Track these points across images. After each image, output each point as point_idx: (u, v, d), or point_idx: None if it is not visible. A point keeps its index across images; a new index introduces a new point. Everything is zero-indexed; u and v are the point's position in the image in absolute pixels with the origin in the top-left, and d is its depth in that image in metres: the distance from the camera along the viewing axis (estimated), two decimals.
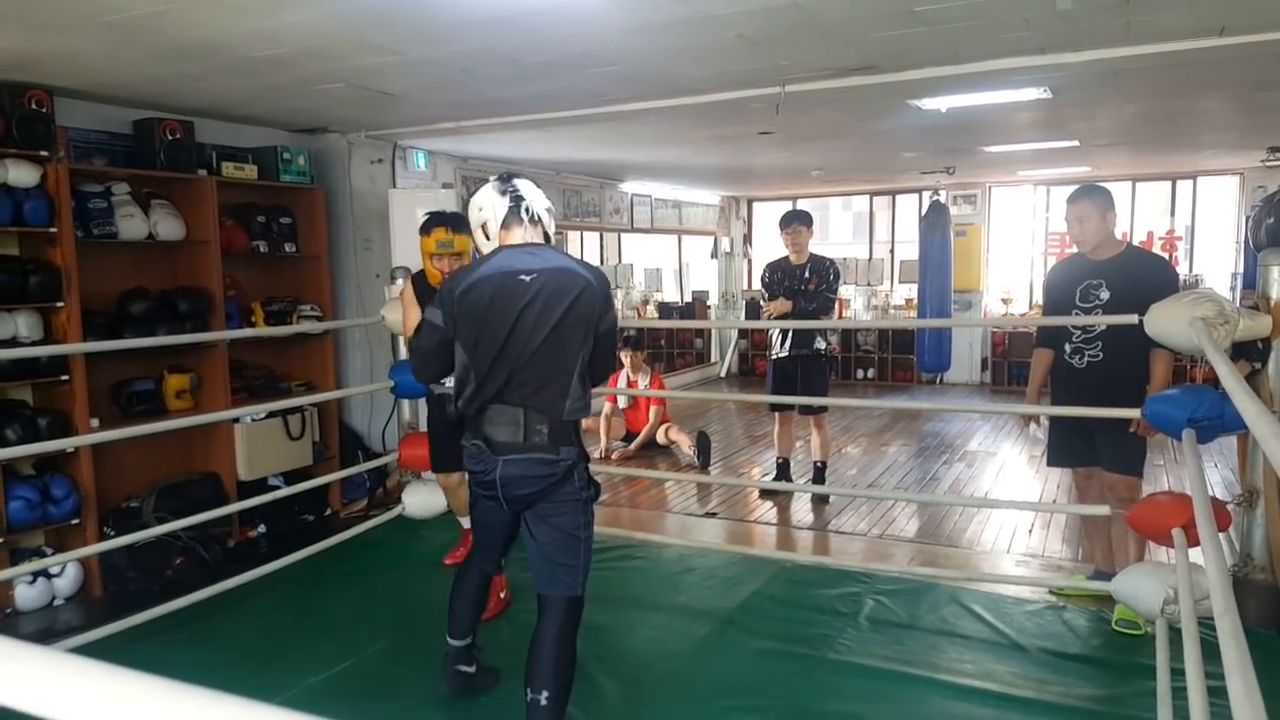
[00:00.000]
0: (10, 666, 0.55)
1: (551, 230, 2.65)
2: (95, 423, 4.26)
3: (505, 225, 2.58)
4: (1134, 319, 3.12)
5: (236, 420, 4.83)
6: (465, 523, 3.83)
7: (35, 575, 4.04)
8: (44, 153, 4.06)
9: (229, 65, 3.83)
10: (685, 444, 6.81)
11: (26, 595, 4.06)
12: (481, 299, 2.50)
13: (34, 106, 4.05)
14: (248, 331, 5.01)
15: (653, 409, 7.01)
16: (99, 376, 4.41)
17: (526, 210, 2.58)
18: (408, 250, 5.48)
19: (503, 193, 2.60)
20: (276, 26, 3.28)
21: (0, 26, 3.24)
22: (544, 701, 2.50)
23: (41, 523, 4.11)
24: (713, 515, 5.46)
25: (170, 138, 4.64)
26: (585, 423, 7.24)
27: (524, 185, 2.62)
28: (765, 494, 5.74)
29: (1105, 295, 3.52)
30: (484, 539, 2.88)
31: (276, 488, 4.75)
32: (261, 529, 4.97)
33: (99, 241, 4.38)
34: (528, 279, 2.47)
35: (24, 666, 0.55)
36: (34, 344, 4.05)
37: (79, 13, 3.07)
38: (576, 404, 2.53)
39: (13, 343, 4.00)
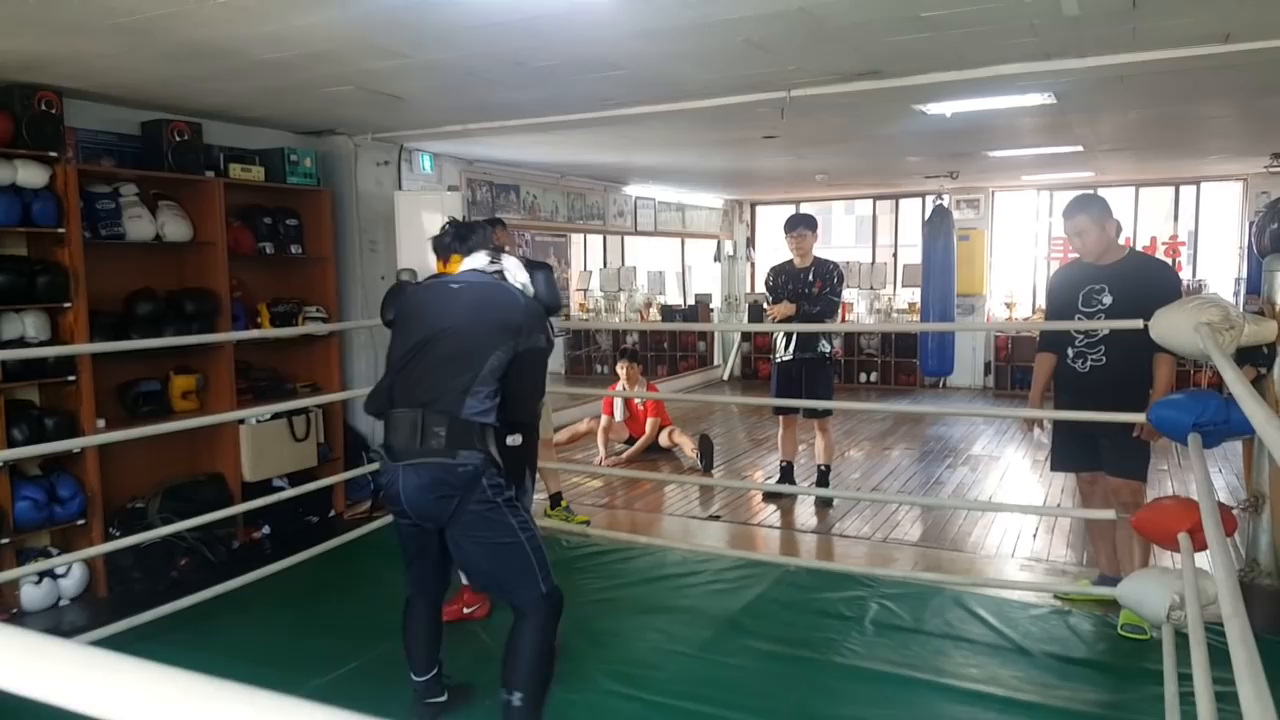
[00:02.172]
0: (39, 660, 0.56)
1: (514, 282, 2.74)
2: (101, 423, 4.27)
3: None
4: (1138, 324, 3.13)
5: (242, 421, 4.84)
6: (466, 579, 3.53)
7: (41, 575, 4.06)
8: (53, 153, 4.07)
9: (237, 68, 3.84)
10: (688, 447, 6.82)
11: (32, 595, 4.07)
12: (410, 303, 2.65)
13: (43, 107, 4.06)
14: (254, 333, 5.02)
15: (649, 420, 7.01)
16: (106, 377, 4.42)
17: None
18: (413, 252, 5.50)
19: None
20: (285, 30, 3.30)
21: (11, 28, 3.26)
22: (517, 702, 2.49)
23: (47, 523, 4.12)
24: (716, 518, 5.46)
25: (178, 139, 4.66)
26: (582, 426, 7.29)
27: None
28: (769, 497, 5.75)
29: (1108, 300, 3.52)
30: (413, 568, 2.78)
31: (281, 489, 4.76)
32: (266, 530, 4.98)
33: (107, 242, 4.39)
34: (456, 286, 2.60)
35: (52, 660, 0.56)
36: (41, 344, 4.06)
37: (89, 15, 3.08)
38: (481, 405, 2.45)
39: (20, 343, 4.01)
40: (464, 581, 3.54)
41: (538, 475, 5.41)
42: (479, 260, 2.73)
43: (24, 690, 0.55)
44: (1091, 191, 4.57)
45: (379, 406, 2.57)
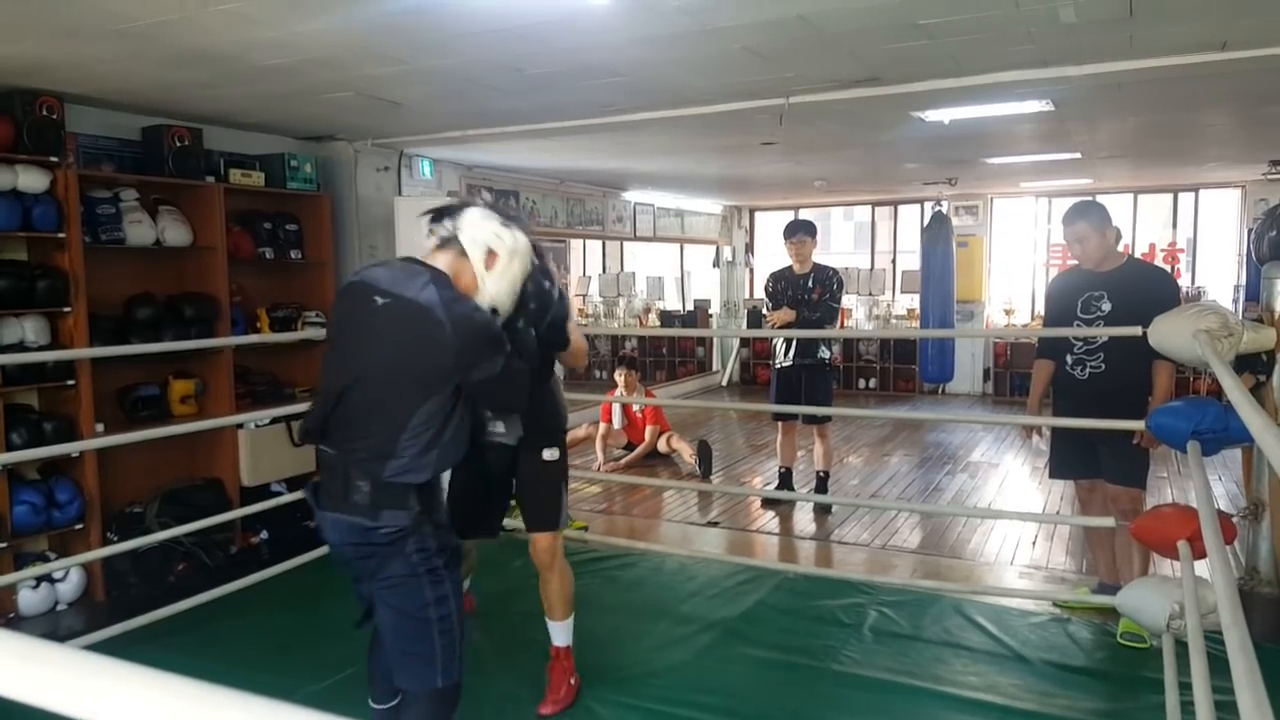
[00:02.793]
0: (36, 666, 0.56)
1: (474, 259, 2.17)
2: (100, 427, 4.27)
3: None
4: (1137, 331, 3.13)
5: (240, 426, 4.84)
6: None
7: (38, 580, 4.05)
8: (54, 158, 4.08)
9: (238, 74, 3.85)
10: (687, 453, 6.81)
11: (30, 600, 4.06)
12: (338, 309, 2.28)
13: (45, 113, 4.07)
14: (253, 338, 5.02)
15: (649, 428, 7.01)
16: (105, 381, 4.42)
17: (447, 231, 2.19)
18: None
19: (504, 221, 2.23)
20: (286, 36, 3.31)
21: (13, 34, 3.27)
22: None
23: (46, 527, 4.12)
24: (714, 524, 5.45)
25: (178, 144, 4.66)
26: (580, 431, 7.28)
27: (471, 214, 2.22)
28: (767, 504, 5.74)
29: (1107, 307, 3.52)
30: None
31: (279, 494, 4.76)
32: (264, 535, 4.97)
33: (107, 247, 4.40)
34: (379, 302, 2.08)
35: (48, 666, 0.56)
36: (41, 349, 4.06)
37: (90, 20, 3.09)
38: (411, 464, 2.07)
39: (20, 347, 4.01)
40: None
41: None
42: (424, 253, 2.21)
43: (21, 696, 0.55)
44: (1091, 198, 4.57)
45: (311, 438, 2.21)
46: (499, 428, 2.47)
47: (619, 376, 7.08)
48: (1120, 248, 3.70)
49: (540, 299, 2.30)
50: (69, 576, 4.17)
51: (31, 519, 4.04)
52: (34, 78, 3.91)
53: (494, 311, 2.17)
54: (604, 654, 3.47)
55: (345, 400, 2.11)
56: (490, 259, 2.14)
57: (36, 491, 4.08)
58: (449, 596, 2.17)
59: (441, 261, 2.15)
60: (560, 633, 3.11)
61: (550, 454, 3.01)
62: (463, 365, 2.07)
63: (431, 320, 2.03)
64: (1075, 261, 3.75)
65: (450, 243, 2.16)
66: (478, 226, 2.16)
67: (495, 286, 2.16)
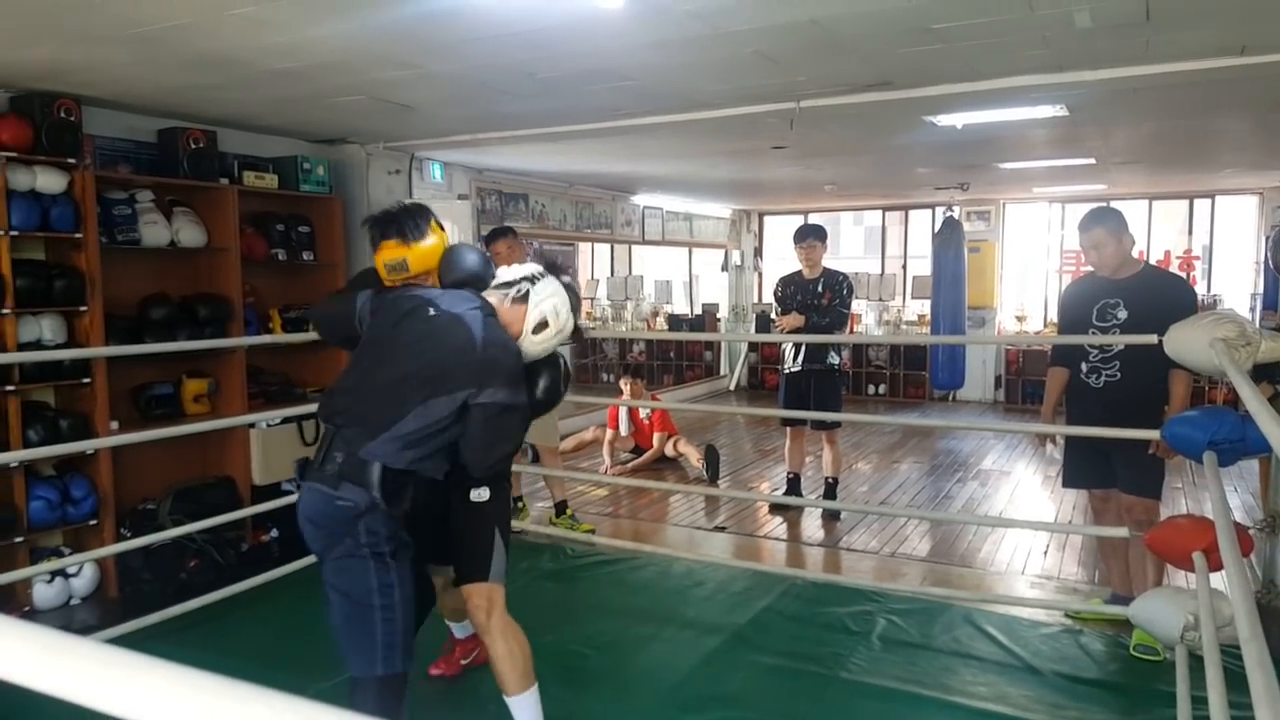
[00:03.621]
0: (58, 657, 0.56)
1: (530, 318, 2.38)
2: (115, 425, 4.30)
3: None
4: (1153, 339, 3.11)
5: (252, 425, 4.86)
6: (457, 630, 3.31)
7: (53, 575, 4.08)
8: (71, 160, 4.11)
9: (252, 77, 3.87)
10: (694, 457, 6.80)
11: (44, 594, 4.09)
12: (386, 310, 2.41)
13: (63, 115, 4.11)
14: (265, 338, 5.04)
15: (657, 435, 7.01)
16: (119, 380, 4.45)
17: (519, 292, 2.41)
18: None
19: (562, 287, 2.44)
20: (300, 40, 3.32)
21: (33, 37, 3.29)
22: None
23: (60, 523, 4.15)
24: (722, 529, 5.44)
25: (193, 147, 4.70)
26: (587, 435, 7.27)
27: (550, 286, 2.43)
28: (775, 509, 5.73)
29: (1123, 315, 3.50)
30: None
31: (290, 492, 4.77)
32: (274, 533, 4.99)
33: (122, 247, 4.43)
34: (432, 313, 2.32)
35: (70, 657, 0.56)
36: (58, 347, 4.10)
37: (109, 24, 3.11)
38: (388, 447, 2.19)
39: (37, 345, 4.04)
40: (454, 634, 3.33)
41: (548, 483, 5.46)
42: (495, 296, 2.43)
43: (42, 687, 0.55)
44: (1106, 204, 4.55)
45: (321, 413, 2.37)
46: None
47: (624, 386, 7.07)
48: (1134, 254, 3.68)
49: (551, 390, 2.47)
50: (83, 572, 4.20)
51: (47, 514, 4.07)
52: (52, 80, 3.94)
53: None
54: (609, 658, 3.46)
55: (367, 382, 2.29)
56: (541, 326, 2.38)
57: (52, 487, 4.12)
58: (394, 586, 2.22)
59: (494, 299, 2.40)
60: (521, 712, 2.56)
61: (478, 494, 2.64)
62: (477, 380, 2.20)
63: (468, 332, 2.27)
64: (1090, 269, 3.73)
65: (515, 293, 2.39)
66: (551, 295, 2.40)
67: (529, 348, 2.38)
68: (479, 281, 2.50)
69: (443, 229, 2.65)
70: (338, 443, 2.23)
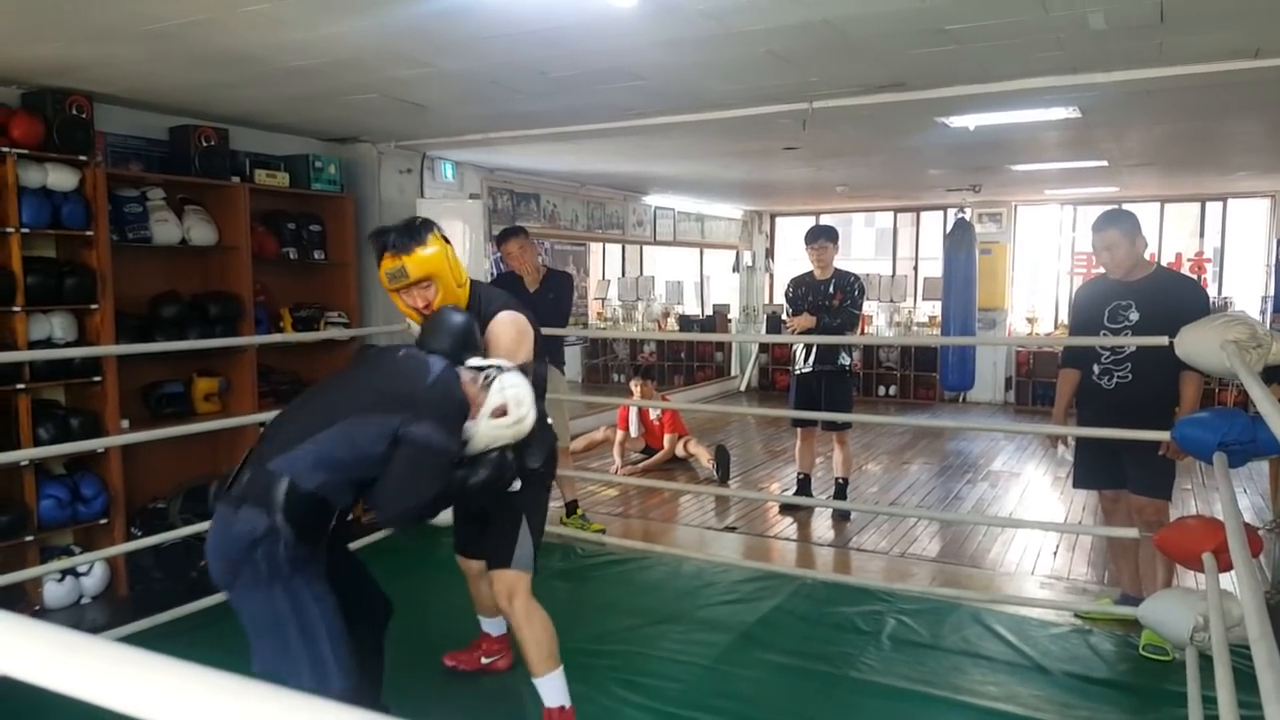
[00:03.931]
0: (70, 655, 0.57)
1: (490, 399, 2.26)
2: (125, 424, 4.32)
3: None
4: (1164, 341, 3.10)
5: (263, 424, 4.86)
6: (488, 625, 3.37)
7: (63, 573, 4.10)
8: (83, 157, 4.13)
9: (264, 75, 3.89)
10: (704, 458, 6.80)
11: (55, 593, 4.11)
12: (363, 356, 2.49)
13: (74, 112, 4.13)
14: (276, 337, 5.07)
15: (667, 436, 7.01)
16: (130, 378, 4.47)
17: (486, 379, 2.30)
18: None
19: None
20: (313, 38, 3.34)
21: (46, 34, 3.31)
22: None
23: (71, 521, 4.17)
24: (732, 530, 5.44)
25: (205, 144, 4.72)
26: (598, 435, 7.27)
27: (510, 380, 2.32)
28: (785, 509, 5.72)
29: (1135, 317, 3.48)
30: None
31: None
32: None
33: (133, 245, 4.45)
34: (401, 353, 2.35)
35: (82, 656, 0.57)
36: (68, 345, 4.12)
37: (122, 21, 3.13)
38: (300, 459, 2.04)
39: (48, 343, 4.06)
40: (484, 628, 3.38)
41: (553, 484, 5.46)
42: (464, 373, 2.31)
43: (54, 685, 0.55)
44: (1118, 206, 4.53)
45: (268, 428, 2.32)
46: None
47: (635, 387, 7.08)
48: (1146, 257, 3.66)
49: (487, 482, 2.26)
50: (93, 570, 4.22)
51: (57, 513, 4.09)
52: (64, 77, 3.96)
53: (464, 442, 2.23)
54: (619, 657, 3.47)
55: (304, 405, 2.23)
56: (500, 412, 2.25)
57: (62, 486, 4.13)
58: (309, 603, 2.06)
59: (464, 376, 2.30)
60: (547, 692, 2.70)
61: (513, 485, 2.64)
62: (414, 408, 2.09)
63: (425, 367, 2.21)
64: (1101, 270, 3.72)
65: (482, 378, 2.29)
66: (517, 386, 2.31)
67: (483, 430, 2.24)
68: (463, 343, 2.42)
69: (446, 241, 2.61)
70: (250, 460, 2.12)
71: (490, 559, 2.75)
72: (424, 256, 2.51)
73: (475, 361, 2.36)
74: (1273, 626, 1.46)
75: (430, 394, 2.15)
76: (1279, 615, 3.31)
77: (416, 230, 2.53)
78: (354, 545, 4.52)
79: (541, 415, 2.77)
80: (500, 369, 2.32)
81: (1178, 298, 3.40)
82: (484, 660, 3.36)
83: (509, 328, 2.65)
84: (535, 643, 2.66)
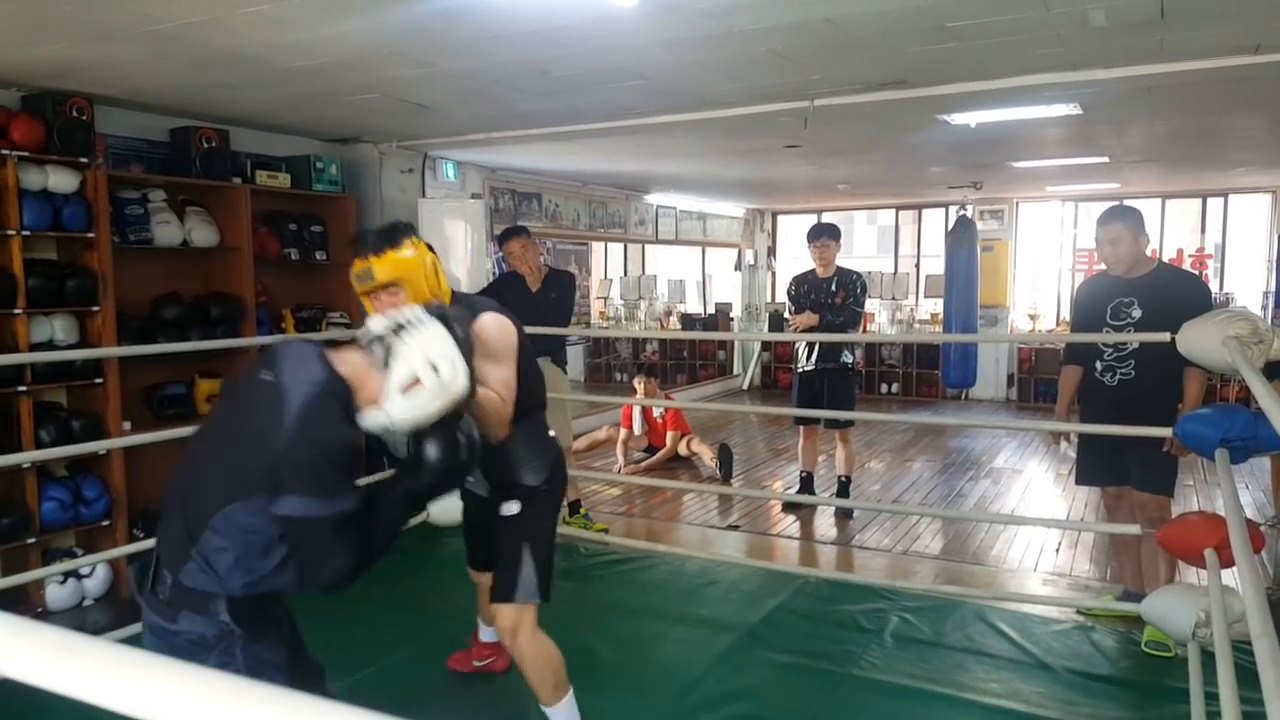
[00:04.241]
0: (73, 658, 0.57)
1: (395, 376, 1.79)
2: (127, 425, 4.32)
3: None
4: (1166, 337, 3.10)
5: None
6: (486, 633, 3.32)
7: (66, 575, 4.10)
8: (83, 159, 4.14)
9: (265, 75, 3.89)
10: (707, 456, 6.81)
11: (57, 595, 4.11)
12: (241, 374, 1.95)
13: (75, 114, 4.13)
14: (278, 338, 5.06)
15: (670, 435, 7.01)
16: (132, 380, 4.47)
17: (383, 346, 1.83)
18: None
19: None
20: (314, 38, 3.34)
21: (46, 35, 3.32)
22: None
23: (73, 523, 4.17)
24: (735, 528, 5.44)
25: (206, 146, 4.72)
26: (601, 434, 7.28)
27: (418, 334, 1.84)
28: (788, 508, 5.73)
29: (1137, 314, 3.48)
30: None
31: None
32: None
33: (135, 247, 4.46)
34: (262, 378, 1.79)
35: (85, 658, 0.57)
36: (70, 347, 4.12)
37: (122, 23, 3.13)
38: (201, 577, 1.71)
39: (49, 345, 4.07)
40: (481, 636, 3.34)
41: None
42: (359, 357, 1.85)
43: (57, 687, 0.55)
44: (1122, 202, 4.53)
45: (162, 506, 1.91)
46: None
47: (638, 384, 7.11)
48: (1148, 254, 3.66)
49: (444, 464, 1.86)
50: (95, 572, 4.22)
51: (59, 515, 4.09)
52: (65, 79, 3.96)
53: (385, 433, 1.84)
54: (622, 656, 3.47)
55: (183, 471, 1.83)
56: (412, 384, 1.80)
57: (64, 488, 4.14)
58: (262, 669, 1.79)
59: (353, 361, 1.84)
60: (558, 718, 2.62)
61: (508, 508, 2.56)
62: (272, 482, 1.68)
63: (279, 412, 1.71)
64: (1102, 267, 3.72)
65: (379, 351, 1.82)
66: (426, 345, 1.81)
67: (400, 414, 1.80)
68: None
69: (430, 250, 2.50)
70: (163, 555, 1.79)
71: (494, 591, 2.57)
72: (395, 259, 2.35)
73: (374, 328, 1.87)
74: (1275, 621, 1.46)
75: (291, 452, 1.69)
76: None
77: (393, 233, 2.39)
78: None
79: (541, 424, 2.67)
80: (403, 326, 1.84)
81: (1180, 294, 3.40)
82: (476, 663, 3.34)
83: (489, 325, 2.42)
84: (541, 675, 2.56)
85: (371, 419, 1.81)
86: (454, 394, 1.83)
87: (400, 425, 1.81)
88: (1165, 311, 3.26)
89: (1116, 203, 3.84)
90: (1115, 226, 3.53)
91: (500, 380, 2.36)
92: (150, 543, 3.82)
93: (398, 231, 2.40)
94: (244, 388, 1.86)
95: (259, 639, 1.79)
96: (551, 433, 2.72)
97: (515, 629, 2.52)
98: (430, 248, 2.54)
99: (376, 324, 1.87)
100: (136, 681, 0.54)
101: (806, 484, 5.77)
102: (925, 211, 11.36)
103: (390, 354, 1.81)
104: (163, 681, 0.54)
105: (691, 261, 12.92)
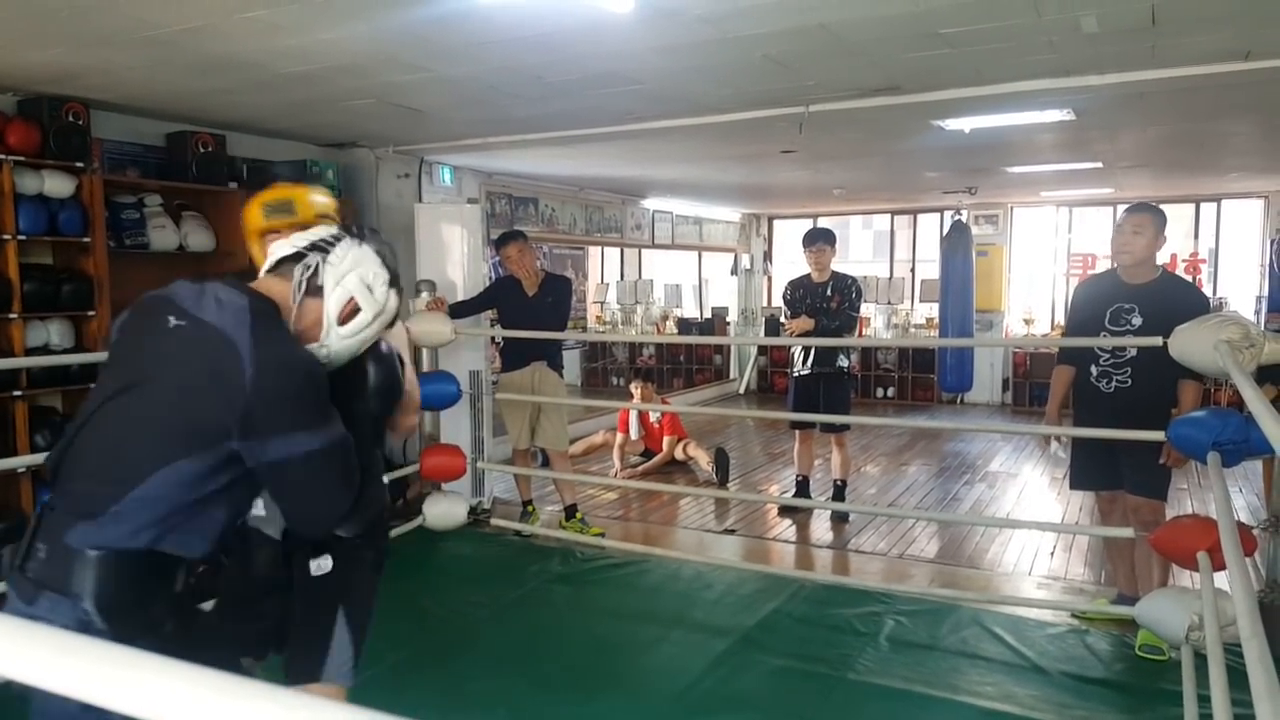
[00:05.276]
0: (70, 658, 0.58)
1: (330, 303, 1.66)
2: None
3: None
4: (1158, 341, 3.11)
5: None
6: None
7: None
8: (79, 164, 4.15)
9: (262, 81, 3.90)
10: (703, 460, 6.81)
11: None
12: (121, 326, 1.72)
13: (71, 119, 4.14)
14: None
15: (666, 439, 7.02)
16: None
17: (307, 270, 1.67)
18: (433, 264, 5.55)
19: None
20: (310, 44, 3.35)
21: (43, 41, 3.33)
22: None
23: None
24: (731, 532, 5.45)
25: (202, 151, 4.73)
26: (597, 438, 7.29)
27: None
28: (784, 512, 5.73)
29: (1138, 321, 3.47)
30: None
31: None
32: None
33: (130, 251, 4.46)
34: (172, 324, 1.59)
35: (82, 658, 0.57)
36: (65, 352, 4.12)
37: (119, 28, 3.14)
38: (111, 530, 1.47)
39: (45, 350, 4.07)
40: None
41: (557, 487, 5.48)
42: (275, 283, 1.68)
43: (58, 687, 0.56)
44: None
45: (46, 480, 1.64)
46: (258, 508, 1.88)
47: (635, 389, 7.12)
48: (1158, 260, 3.67)
49: (386, 382, 1.78)
50: None
51: None
52: (61, 84, 3.97)
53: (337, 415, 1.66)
54: (618, 660, 3.47)
55: (84, 434, 1.57)
56: (350, 314, 1.67)
57: None
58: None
59: (275, 288, 1.66)
60: None
61: (318, 565, 1.94)
62: (254, 428, 1.50)
63: (228, 355, 1.52)
64: (1097, 269, 3.73)
65: (304, 275, 1.66)
66: (355, 266, 1.68)
67: (340, 345, 1.68)
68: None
69: (339, 207, 2.29)
70: (43, 529, 1.52)
71: (293, 669, 1.96)
72: (322, 200, 2.10)
73: (283, 250, 1.70)
74: (1268, 624, 1.47)
75: (262, 394, 1.51)
76: (1274, 613, 3.33)
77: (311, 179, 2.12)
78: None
79: (373, 469, 1.96)
80: (323, 248, 1.68)
81: (1182, 304, 3.35)
82: None
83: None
84: None
85: (311, 353, 1.66)
86: (388, 317, 1.73)
87: (339, 357, 1.69)
88: (1166, 322, 3.22)
89: (1138, 202, 3.86)
90: (1143, 216, 3.54)
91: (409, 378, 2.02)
92: None
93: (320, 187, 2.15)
94: (151, 340, 1.61)
95: (127, 642, 1.45)
96: (385, 479, 2.17)
97: None
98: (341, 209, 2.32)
99: (283, 246, 1.70)
100: (136, 681, 0.55)
101: (802, 488, 5.78)
102: (920, 216, 11.39)
103: (315, 275, 1.65)
104: (163, 681, 0.55)
105: (688, 266, 12.95)
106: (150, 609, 1.53)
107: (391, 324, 1.79)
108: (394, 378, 1.82)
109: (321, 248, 1.68)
